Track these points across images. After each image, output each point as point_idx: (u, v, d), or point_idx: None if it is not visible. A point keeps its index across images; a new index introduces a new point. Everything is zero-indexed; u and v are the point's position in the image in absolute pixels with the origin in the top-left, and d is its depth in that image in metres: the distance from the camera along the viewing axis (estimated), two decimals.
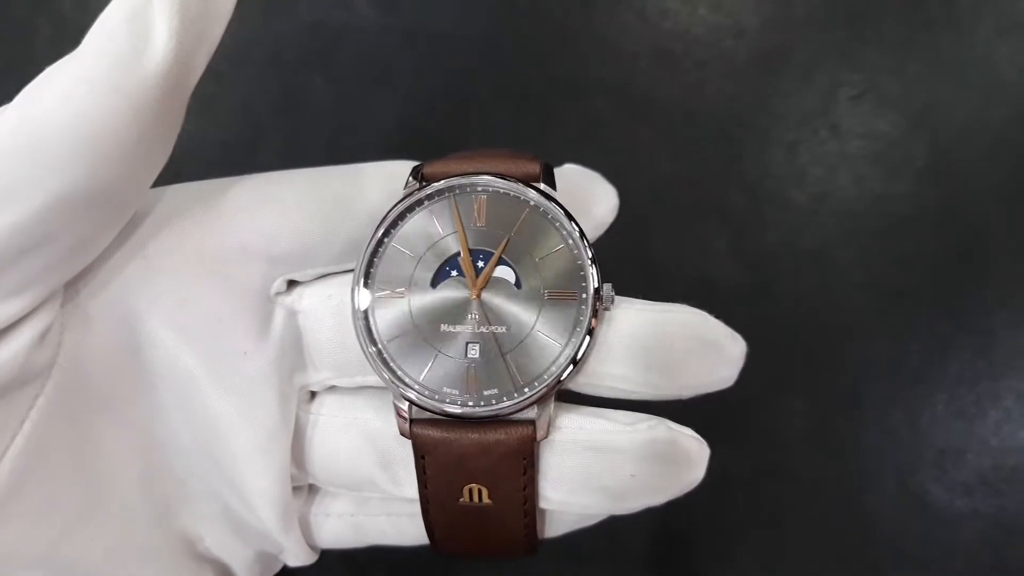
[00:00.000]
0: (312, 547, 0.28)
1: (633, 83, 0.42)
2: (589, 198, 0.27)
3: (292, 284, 0.27)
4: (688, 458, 0.25)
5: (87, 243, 0.23)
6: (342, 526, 0.28)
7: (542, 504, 0.26)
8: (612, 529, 0.39)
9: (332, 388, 0.28)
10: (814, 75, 0.42)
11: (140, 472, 0.26)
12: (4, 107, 0.22)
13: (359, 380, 0.27)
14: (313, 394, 0.28)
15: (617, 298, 0.25)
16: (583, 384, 0.25)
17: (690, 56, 0.42)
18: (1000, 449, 0.39)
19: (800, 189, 0.41)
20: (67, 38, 0.41)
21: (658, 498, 0.25)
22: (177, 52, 0.21)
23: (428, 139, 0.41)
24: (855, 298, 0.40)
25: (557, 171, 0.27)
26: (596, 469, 0.24)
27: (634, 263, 0.40)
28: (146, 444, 0.26)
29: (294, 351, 0.26)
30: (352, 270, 0.26)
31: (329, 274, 0.27)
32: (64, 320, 0.24)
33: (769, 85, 0.42)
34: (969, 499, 0.39)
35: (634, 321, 0.25)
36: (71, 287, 0.25)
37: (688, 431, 0.25)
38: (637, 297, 0.26)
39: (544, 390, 0.24)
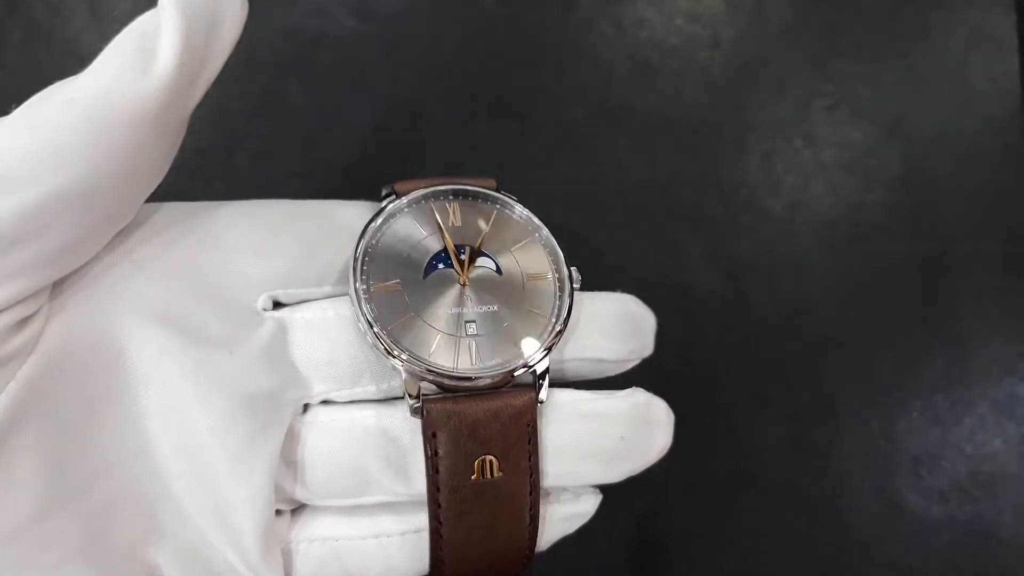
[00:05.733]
0: None
1: (610, 92, 0.42)
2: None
3: (278, 306, 0.27)
4: (662, 420, 0.28)
5: (78, 243, 0.24)
6: (325, 553, 0.28)
7: (543, 481, 0.27)
8: (589, 538, 0.39)
9: (325, 401, 0.27)
10: (789, 85, 0.42)
11: (111, 485, 0.25)
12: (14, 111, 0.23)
13: (358, 392, 0.27)
14: (305, 406, 0.27)
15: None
16: (566, 361, 0.28)
17: (667, 66, 0.42)
18: (975, 456, 0.39)
19: (775, 198, 0.41)
20: (38, 43, 0.41)
21: (640, 462, 0.28)
22: (179, 71, 0.23)
23: (403, 147, 0.41)
24: (830, 306, 0.40)
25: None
26: (590, 435, 0.27)
27: (610, 271, 0.40)
28: (121, 455, 0.25)
29: (285, 363, 0.26)
30: (335, 294, 0.27)
31: (312, 299, 0.27)
32: (47, 314, 0.24)
33: (745, 95, 0.42)
34: (945, 506, 0.39)
35: (593, 303, 0.29)
36: (57, 284, 0.24)
37: (656, 396, 0.29)
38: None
39: (548, 345, 0.26)
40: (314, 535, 0.28)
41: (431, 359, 0.26)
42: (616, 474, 0.28)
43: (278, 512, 0.27)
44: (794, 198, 0.41)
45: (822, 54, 0.42)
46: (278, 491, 0.27)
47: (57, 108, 0.22)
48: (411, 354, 0.26)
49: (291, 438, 0.27)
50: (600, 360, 0.29)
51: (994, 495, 0.39)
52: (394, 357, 0.25)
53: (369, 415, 0.27)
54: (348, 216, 0.28)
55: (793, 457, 0.39)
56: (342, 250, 0.27)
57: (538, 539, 0.29)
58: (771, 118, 0.42)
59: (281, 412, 0.26)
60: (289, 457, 0.27)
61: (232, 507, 0.25)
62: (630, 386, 0.28)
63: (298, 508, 0.28)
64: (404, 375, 0.26)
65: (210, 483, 0.25)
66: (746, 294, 0.41)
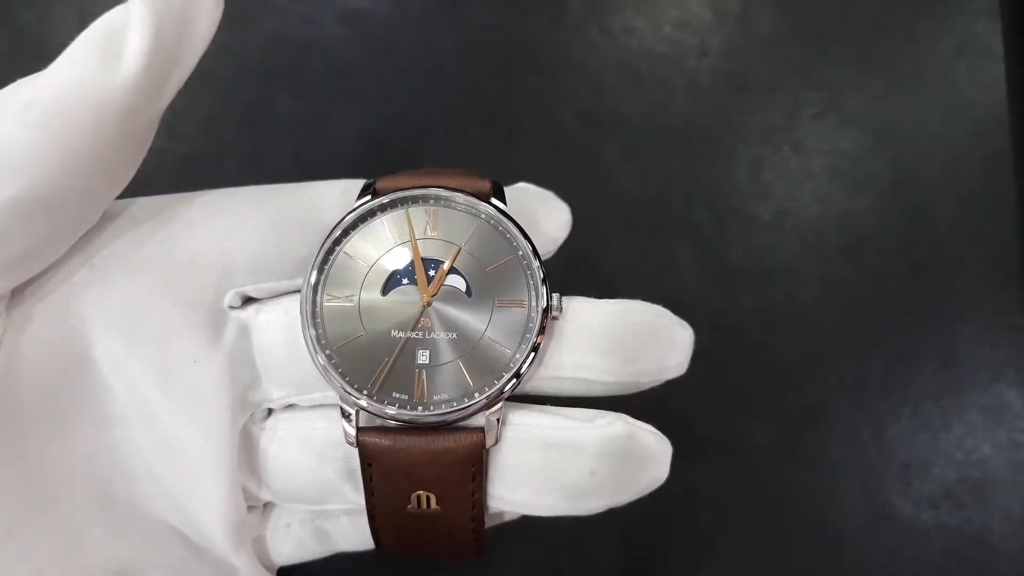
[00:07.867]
0: (267, 567, 0.28)
1: (599, 100, 0.42)
2: (542, 215, 0.28)
3: (248, 301, 0.27)
4: (647, 455, 0.25)
5: (39, 249, 0.23)
6: (304, 533, 0.28)
7: (499, 505, 0.25)
8: (580, 547, 0.39)
9: (289, 406, 0.27)
10: (777, 93, 0.42)
11: (84, 492, 0.25)
12: None
13: (317, 397, 0.26)
14: (269, 412, 0.27)
15: (573, 297, 0.26)
16: (545, 378, 0.25)
17: (655, 74, 0.42)
18: (965, 463, 0.39)
19: (764, 206, 0.41)
20: (26, 52, 0.41)
21: (619, 498, 0.25)
22: (147, 71, 0.22)
23: (393, 154, 0.41)
24: (819, 313, 0.40)
25: (510, 189, 0.27)
26: (555, 467, 0.24)
27: (599, 279, 0.40)
28: (91, 463, 0.25)
29: (247, 366, 0.26)
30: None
31: (285, 293, 0.27)
32: (7, 323, 0.24)
33: (733, 103, 0.42)
34: (935, 513, 0.39)
35: (590, 312, 0.25)
36: (17, 292, 0.24)
37: (647, 427, 0.25)
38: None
39: (494, 394, 0.24)
40: (291, 519, 0.28)
41: (369, 387, 0.24)
42: (585, 509, 0.25)
43: (250, 508, 0.27)
44: (783, 206, 0.41)
45: (810, 62, 0.43)
46: (246, 492, 0.27)
47: (14, 111, 0.21)
48: (347, 382, 0.24)
49: (253, 446, 0.26)
50: (585, 380, 0.25)
51: (984, 501, 0.39)
52: (333, 383, 0.24)
53: (327, 426, 0.26)
54: (325, 197, 0.26)
55: (783, 464, 0.39)
56: (314, 243, 0.26)
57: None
58: (759, 126, 0.42)
59: (242, 415, 0.26)
60: (253, 464, 0.26)
61: (201, 508, 0.25)
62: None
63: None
64: (340, 402, 0.24)
65: (178, 486, 0.25)
66: (735, 302, 0.41)
